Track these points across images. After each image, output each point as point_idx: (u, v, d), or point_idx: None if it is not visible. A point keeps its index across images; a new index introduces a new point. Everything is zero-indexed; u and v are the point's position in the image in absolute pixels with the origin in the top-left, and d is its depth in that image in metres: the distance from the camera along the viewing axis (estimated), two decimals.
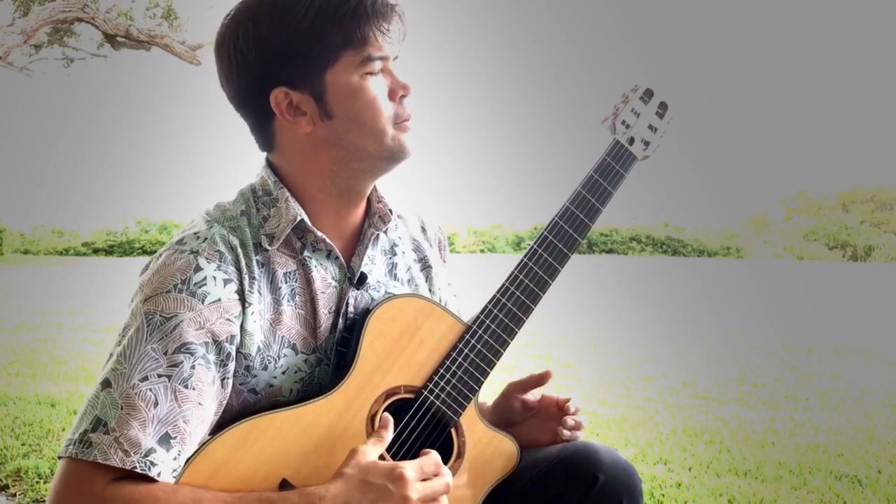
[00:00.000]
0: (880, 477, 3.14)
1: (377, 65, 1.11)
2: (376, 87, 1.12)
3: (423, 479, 1.02)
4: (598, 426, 3.86)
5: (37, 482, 2.71)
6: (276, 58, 1.08)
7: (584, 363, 5.82)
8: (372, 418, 1.12)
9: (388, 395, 1.15)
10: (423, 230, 1.38)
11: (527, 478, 1.23)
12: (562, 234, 1.24)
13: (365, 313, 1.17)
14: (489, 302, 1.21)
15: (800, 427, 4.00)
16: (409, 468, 1.00)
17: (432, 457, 1.05)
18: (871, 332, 8.22)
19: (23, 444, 3.18)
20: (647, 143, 1.32)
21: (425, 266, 1.34)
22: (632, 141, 1.30)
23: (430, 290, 1.34)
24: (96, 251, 24.73)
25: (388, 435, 1.07)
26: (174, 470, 1.00)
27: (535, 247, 1.23)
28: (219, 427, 1.11)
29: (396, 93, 1.14)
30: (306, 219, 1.14)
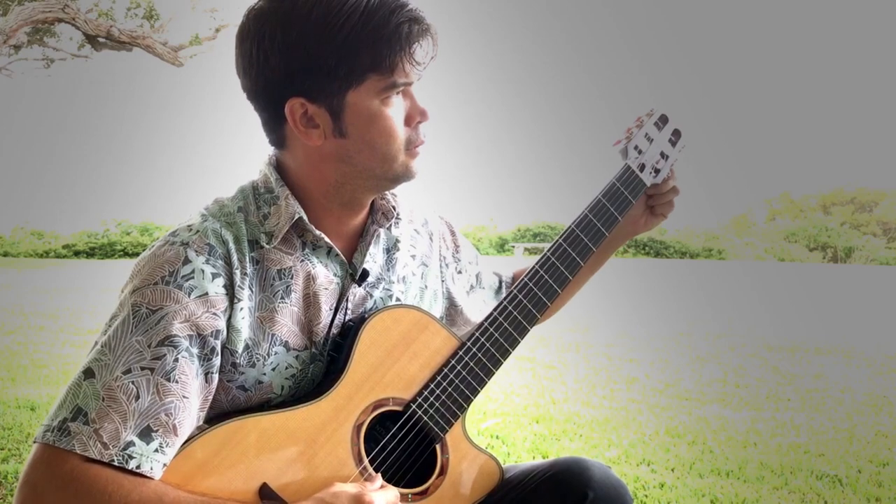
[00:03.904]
0: (860, 476, 3.17)
1: (399, 90, 1.09)
2: (395, 111, 1.09)
3: None
4: (581, 427, 3.87)
5: (16, 486, 2.68)
6: (300, 68, 1.05)
7: (567, 365, 5.84)
8: (358, 428, 1.11)
9: (376, 406, 1.14)
10: (425, 225, 1.37)
11: (518, 491, 1.23)
12: (566, 258, 1.24)
13: (360, 321, 1.16)
14: (485, 319, 1.20)
15: (781, 427, 4.03)
16: (377, 496, 1.03)
17: (394, 491, 1.08)
18: (851, 332, 8.29)
19: (2, 449, 3.15)
20: (657, 171, 1.30)
21: (421, 263, 1.33)
22: (642, 167, 1.28)
23: (426, 287, 1.33)
24: (77, 253, 24.53)
25: (373, 486, 1.08)
26: (164, 464, 0.99)
27: (536, 267, 1.23)
28: (210, 424, 1.11)
29: (413, 118, 1.12)
30: (305, 217, 1.13)
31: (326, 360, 1.18)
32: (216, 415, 1.13)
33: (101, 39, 12.07)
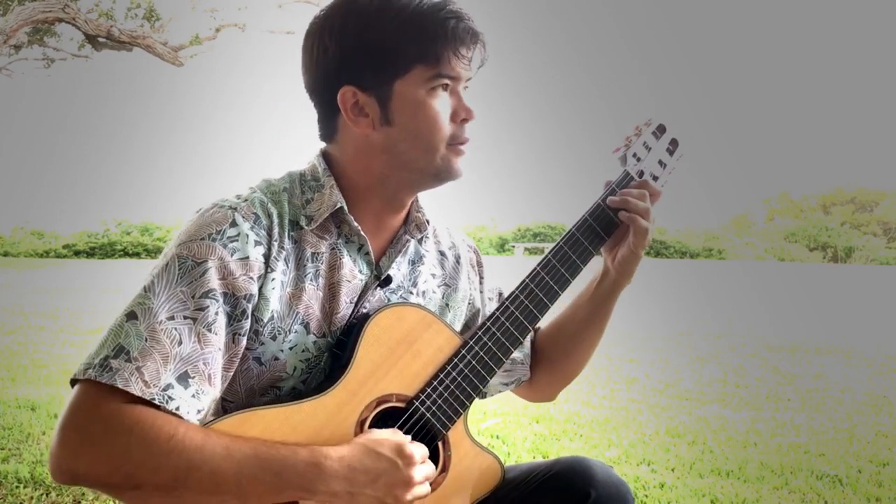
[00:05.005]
0: (860, 476, 3.17)
1: (445, 83, 1.14)
2: (441, 105, 1.14)
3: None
4: (581, 427, 3.88)
5: (16, 487, 2.68)
6: (353, 57, 1.12)
7: None
8: (361, 423, 1.12)
9: (379, 402, 1.14)
10: (452, 248, 1.39)
11: (519, 490, 1.24)
12: (566, 260, 1.25)
13: (364, 318, 1.17)
14: (488, 319, 1.22)
15: (781, 427, 4.03)
16: (416, 448, 1.07)
17: (423, 447, 1.11)
18: (851, 332, 8.30)
19: (2, 449, 3.15)
20: (655, 178, 1.32)
21: (443, 283, 1.34)
22: (641, 174, 1.30)
23: (447, 307, 1.34)
24: (77, 253, 24.53)
25: (405, 438, 1.10)
26: (199, 410, 1.02)
27: (537, 269, 1.25)
28: (224, 410, 1.14)
29: (459, 115, 1.17)
30: (345, 207, 1.17)
31: (328, 361, 1.19)
32: (221, 408, 1.15)
33: (101, 39, 12.06)
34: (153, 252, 24.26)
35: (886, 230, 41.18)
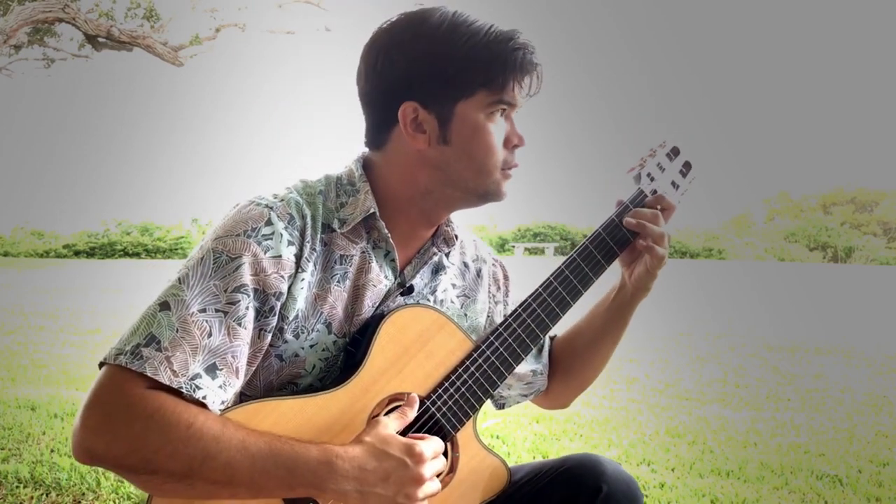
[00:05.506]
0: (860, 476, 3.17)
1: (503, 108, 1.18)
2: (497, 129, 1.18)
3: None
4: (581, 427, 3.88)
5: (17, 487, 2.69)
6: (419, 75, 1.14)
7: None
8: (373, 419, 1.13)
9: (391, 399, 1.16)
10: (476, 261, 1.41)
11: (530, 486, 1.26)
12: (579, 272, 1.27)
13: (379, 317, 1.19)
14: (500, 325, 1.24)
15: (781, 427, 4.03)
16: (426, 447, 1.07)
17: (436, 441, 1.11)
18: (851, 332, 8.30)
19: (2, 449, 3.15)
20: None
21: (462, 294, 1.36)
22: (654, 193, 1.32)
23: (465, 317, 1.36)
24: (77, 253, 24.55)
25: (411, 414, 1.12)
26: (223, 401, 1.04)
27: (551, 279, 1.26)
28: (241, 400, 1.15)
29: (511, 141, 1.20)
30: (378, 213, 1.19)
31: (343, 359, 1.21)
32: (239, 401, 1.16)
33: (101, 39, 12.06)
34: (153, 252, 24.27)
35: (886, 230, 41.20)
